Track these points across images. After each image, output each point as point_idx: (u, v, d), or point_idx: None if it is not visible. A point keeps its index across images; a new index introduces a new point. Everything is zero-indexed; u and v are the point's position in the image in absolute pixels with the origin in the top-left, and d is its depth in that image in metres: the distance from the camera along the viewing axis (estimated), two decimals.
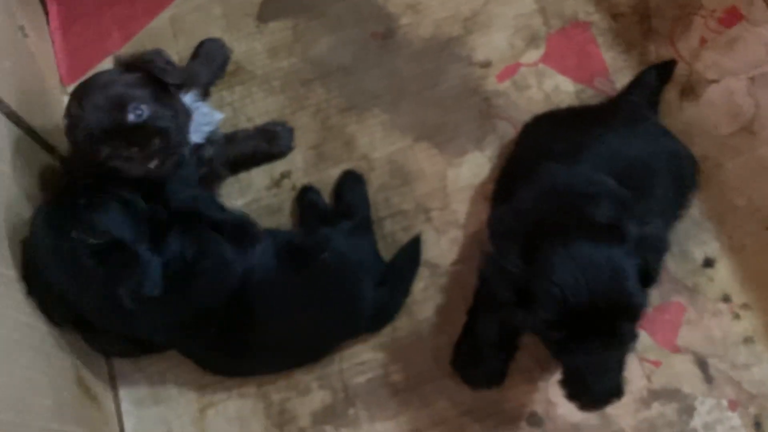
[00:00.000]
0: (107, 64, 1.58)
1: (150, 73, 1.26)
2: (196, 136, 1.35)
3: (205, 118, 1.39)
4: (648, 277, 1.01)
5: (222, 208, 1.35)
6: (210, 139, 1.39)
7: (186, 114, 1.32)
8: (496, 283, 1.04)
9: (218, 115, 1.42)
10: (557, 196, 1.11)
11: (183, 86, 1.33)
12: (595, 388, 1.18)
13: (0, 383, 1.00)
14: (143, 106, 1.20)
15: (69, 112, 1.24)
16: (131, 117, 1.19)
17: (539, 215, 1.06)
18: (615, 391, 1.20)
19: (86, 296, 1.19)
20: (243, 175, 1.50)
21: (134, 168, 1.20)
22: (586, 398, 1.19)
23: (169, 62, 1.31)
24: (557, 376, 1.25)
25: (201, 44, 1.58)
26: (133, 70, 1.26)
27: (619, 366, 1.21)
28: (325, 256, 1.27)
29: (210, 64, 1.56)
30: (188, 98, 1.36)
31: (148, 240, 1.19)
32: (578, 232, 1.00)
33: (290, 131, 1.50)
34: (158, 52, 1.31)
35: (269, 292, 1.25)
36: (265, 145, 1.47)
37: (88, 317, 1.23)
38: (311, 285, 1.27)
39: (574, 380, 1.19)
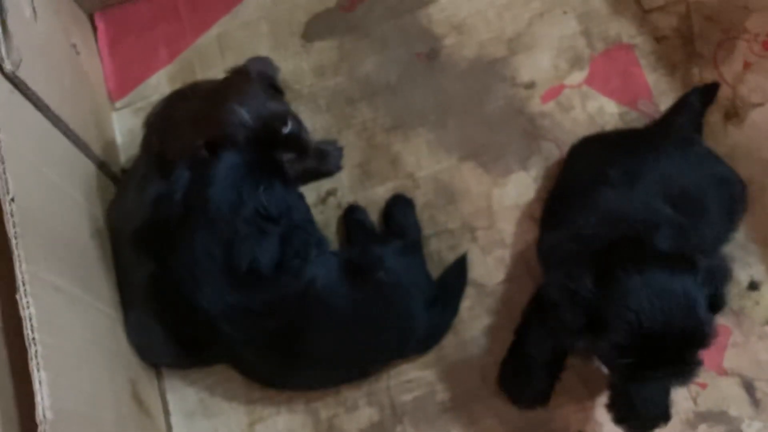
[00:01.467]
0: (155, 80, 1.64)
1: (272, 84, 1.40)
2: None
3: None
4: (716, 306, 1.02)
5: None
6: None
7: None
8: (565, 307, 1.06)
9: None
10: (617, 223, 1.13)
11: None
12: (642, 412, 1.20)
13: (71, 397, 1.03)
14: (291, 121, 1.35)
15: (224, 110, 1.31)
16: (285, 129, 1.33)
17: (602, 242, 1.08)
18: (663, 415, 1.21)
19: (213, 235, 1.26)
20: None
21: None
22: (634, 422, 1.21)
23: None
24: (604, 397, 1.27)
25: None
26: (263, 80, 1.39)
27: (667, 390, 1.22)
28: (381, 275, 1.29)
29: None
30: None
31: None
32: (650, 260, 1.02)
33: (340, 150, 1.53)
34: (268, 68, 1.46)
35: (327, 303, 1.28)
36: (315, 163, 1.50)
37: (189, 255, 1.27)
38: (366, 302, 1.29)
39: (621, 404, 1.21)
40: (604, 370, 1.19)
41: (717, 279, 1.03)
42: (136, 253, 1.33)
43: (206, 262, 1.26)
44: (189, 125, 1.34)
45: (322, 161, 1.50)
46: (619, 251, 1.05)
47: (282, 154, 1.35)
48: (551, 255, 1.28)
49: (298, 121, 1.38)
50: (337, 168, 1.52)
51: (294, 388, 1.40)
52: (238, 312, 1.26)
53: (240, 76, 1.37)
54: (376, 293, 1.31)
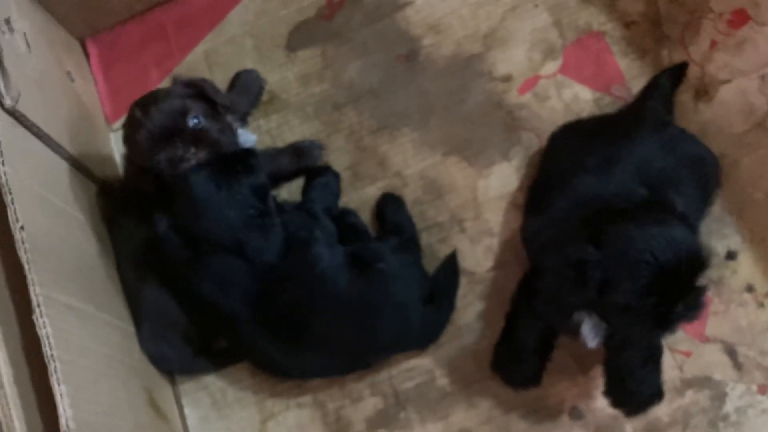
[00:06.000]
0: None
1: (202, 92, 1.39)
2: None
3: (241, 138, 1.49)
4: None
5: None
6: None
7: (231, 130, 1.44)
8: (569, 285, 1.11)
9: (252, 137, 1.53)
10: (595, 204, 1.19)
11: (229, 109, 1.45)
12: (638, 393, 1.27)
13: (89, 410, 1.10)
14: (200, 117, 1.36)
15: (131, 120, 1.36)
16: (190, 123, 1.34)
17: (579, 221, 1.14)
18: (656, 394, 1.28)
19: (225, 258, 1.35)
20: (286, 196, 1.59)
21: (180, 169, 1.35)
22: (630, 405, 1.28)
23: (216, 88, 1.45)
24: (596, 372, 1.34)
25: (236, 76, 1.67)
26: (189, 87, 1.39)
27: (657, 370, 1.29)
28: (382, 266, 1.37)
29: (246, 95, 1.65)
30: (229, 119, 1.47)
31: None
32: (631, 213, 1.09)
33: (318, 145, 1.59)
34: (206, 80, 1.44)
35: (331, 285, 1.35)
36: (294, 159, 1.57)
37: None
38: (366, 290, 1.36)
39: (617, 389, 1.27)
40: (590, 345, 1.26)
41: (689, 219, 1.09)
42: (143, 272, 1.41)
43: (227, 282, 1.35)
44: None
45: (300, 156, 1.57)
46: (601, 219, 1.11)
47: (179, 149, 1.33)
48: (533, 240, 1.34)
49: (209, 122, 1.37)
50: (316, 162, 1.58)
51: (301, 375, 1.46)
52: (258, 300, 1.34)
53: (161, 89, 1.41)
54: (377, 283, 1.37)
